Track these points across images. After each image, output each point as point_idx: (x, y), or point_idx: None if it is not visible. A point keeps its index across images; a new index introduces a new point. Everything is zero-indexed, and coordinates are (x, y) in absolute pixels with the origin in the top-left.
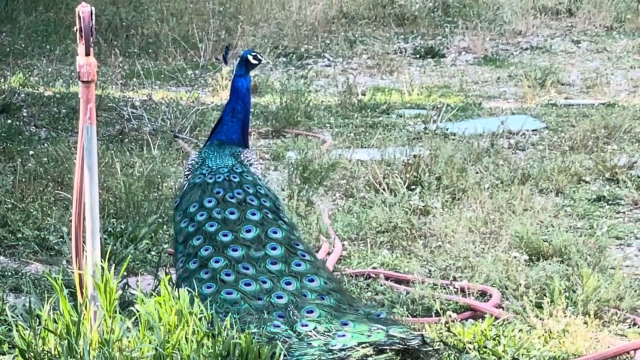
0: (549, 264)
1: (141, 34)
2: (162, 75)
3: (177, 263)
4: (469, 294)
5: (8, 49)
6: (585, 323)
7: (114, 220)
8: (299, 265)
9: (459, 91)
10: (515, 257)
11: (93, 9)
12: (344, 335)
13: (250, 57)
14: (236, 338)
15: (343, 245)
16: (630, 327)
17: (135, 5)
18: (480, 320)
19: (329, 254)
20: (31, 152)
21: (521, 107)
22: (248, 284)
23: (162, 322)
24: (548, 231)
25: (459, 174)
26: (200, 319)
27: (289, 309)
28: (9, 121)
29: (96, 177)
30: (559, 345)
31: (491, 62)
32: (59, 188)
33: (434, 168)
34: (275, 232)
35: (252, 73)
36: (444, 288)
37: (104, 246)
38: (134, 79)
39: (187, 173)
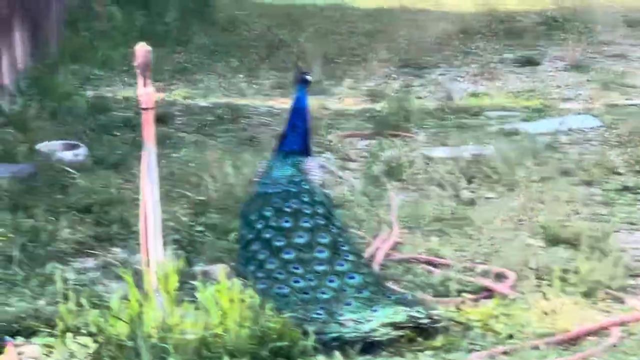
0: (563, 248)
1: (290, 52)
2: None
3: (239, 265)
4: (488, 276)
5: (184, 66)
6: (577, 303)
7: (216, 215)
8: (342, 265)
9: (540, 95)
10: (532, 244)
11: (150, 48)
12: (371, 320)
13: (309, 78)
14: (272, 322)
15: (400, 233)
16: (617, 305)
17: (292, 27)
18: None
19: (385, 241)
20: (174, 155)
21: (587, 107)
22: (297, 281)
23: (219, 307)
24: (569, 219)
25: (511, 169)
26: (249, 307)
27: (330, 302)
28: (164, 128)
29: (157, 187)
30: (551, 323)
31: (577, 69)
32: (185, 187)
33: (491, 164)
34: (323, 237)
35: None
36: (471, 270)
37: (199, 238)
38: (278, 90)
39: (255, 181)
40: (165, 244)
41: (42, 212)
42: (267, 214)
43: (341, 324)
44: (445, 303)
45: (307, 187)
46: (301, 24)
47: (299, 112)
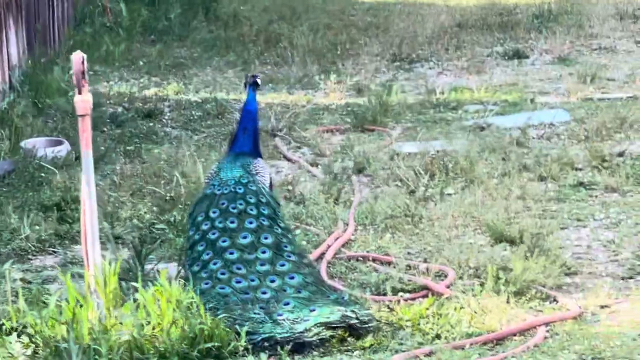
0: (505, 246)
1: (284, 47)
2: (292, 80)
3: (185, 264)
4: (429, 274)
5: (181, 61)
6: (508, 302)
7: (181, 212)
8: (283, 265)
9: (520, 88)
10: (474, 242)
11: (85, 56)
12: (308, 320)
13: (258, 81)
14: (204, 323)
15: (355, 230)
16: (550, 303)
17: (292, 21)
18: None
19: (337, 238)
20: (156, 150)
21: (564, 101)
22: (239, 282)
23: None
24: (517, 216)
25: (472, 165)
26: (184, 307)
27: (270, 302)
28: (151, 124)
29: (94, 191)
30: (480, 322)
31: (563, 62)
32: (161, 182)
33: (454, 159)
34: (266, 238)
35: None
36: (415, 268)
37: (159, 236)
38: (269, 84)
39: (206, 181)
40: (122, 242)
41: (12, 209)
42: (214, 215)
43: (277, 324)
44: (382, 302)
45: (254, 188)
46: (301, 18)
47: (248, 115)
